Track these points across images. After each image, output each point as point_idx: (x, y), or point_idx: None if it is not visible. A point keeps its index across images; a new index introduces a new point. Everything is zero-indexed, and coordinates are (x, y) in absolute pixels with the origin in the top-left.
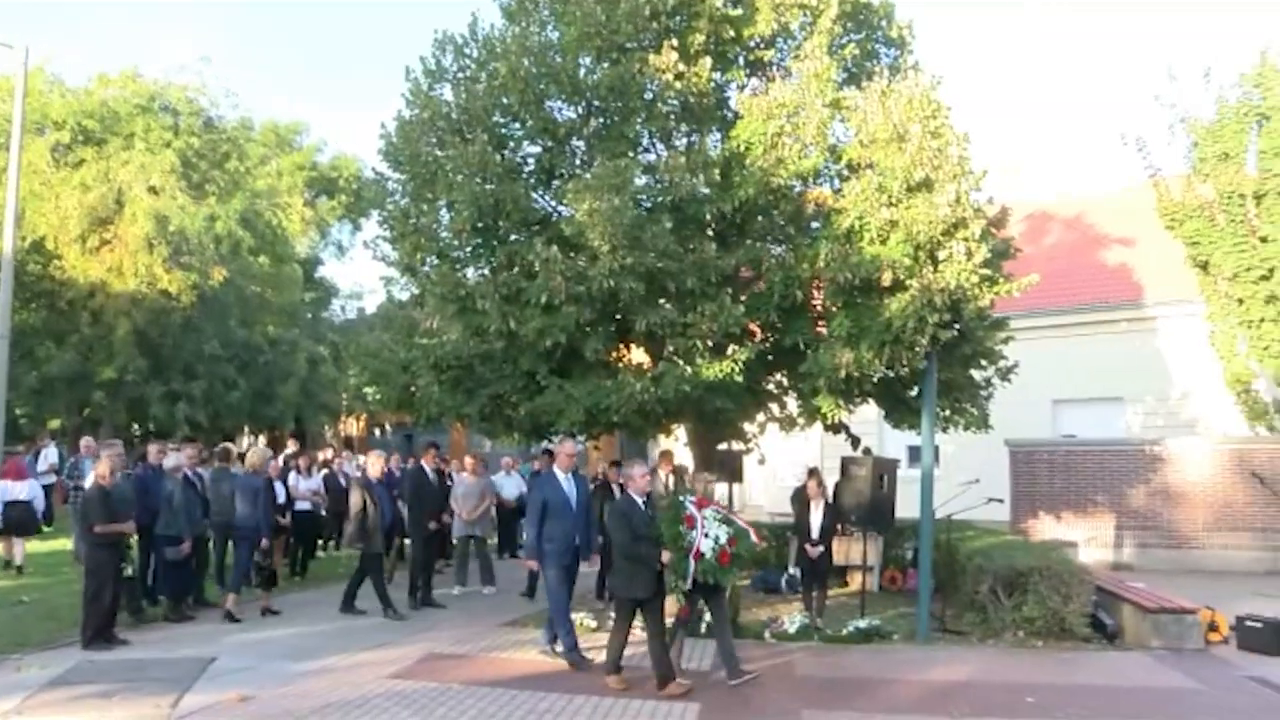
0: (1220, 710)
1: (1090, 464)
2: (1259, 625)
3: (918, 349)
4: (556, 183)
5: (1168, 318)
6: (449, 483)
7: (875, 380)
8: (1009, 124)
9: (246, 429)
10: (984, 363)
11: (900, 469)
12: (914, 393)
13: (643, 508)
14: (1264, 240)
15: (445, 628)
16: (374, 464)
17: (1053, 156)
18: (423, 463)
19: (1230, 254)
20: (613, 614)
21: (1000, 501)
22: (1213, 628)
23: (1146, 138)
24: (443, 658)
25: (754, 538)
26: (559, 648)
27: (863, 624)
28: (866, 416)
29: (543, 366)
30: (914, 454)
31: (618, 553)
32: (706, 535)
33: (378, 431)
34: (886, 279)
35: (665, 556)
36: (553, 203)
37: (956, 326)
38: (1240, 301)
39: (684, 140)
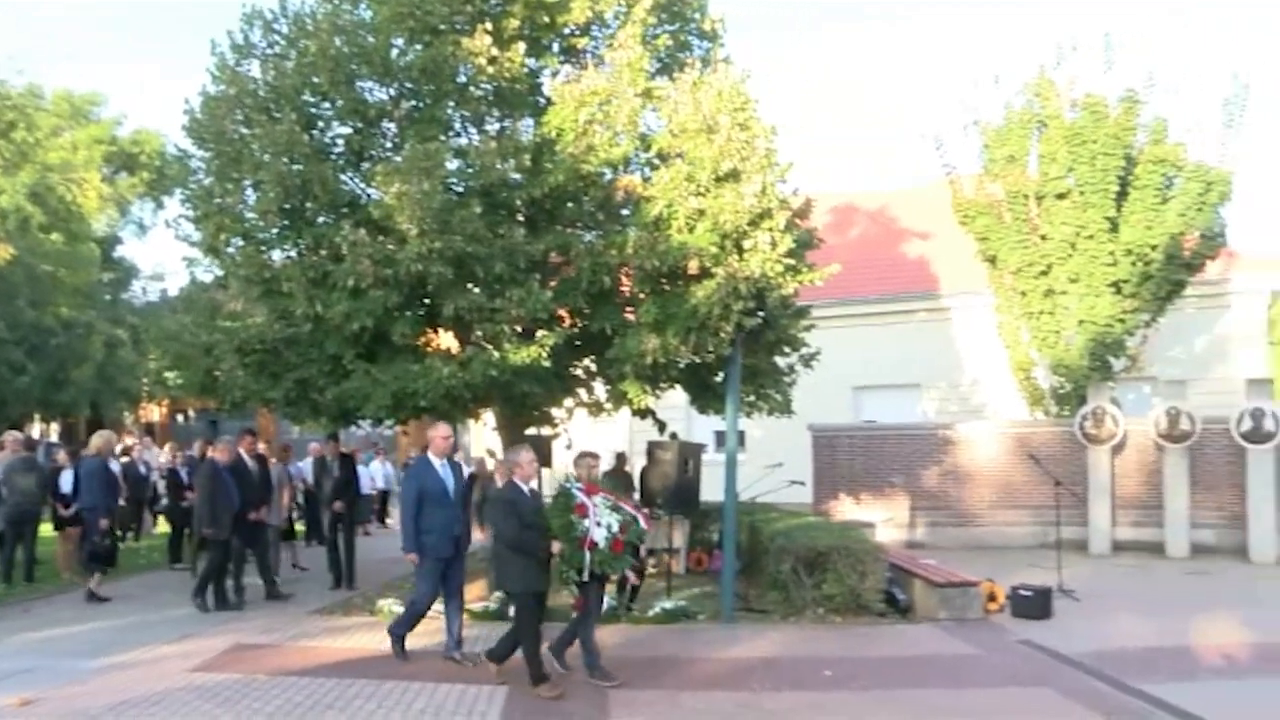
0: (995, 671)
1: (888, 447)
2: (1030, 594)
3: (723, 336)
4: (366, 165)
5: (961, 308)
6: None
7: (682, 366)
8: (818, 119)
9: (37, 416)
10: (787, 350)
11: (707, 453)
12: (719, 378)
13: (529, 496)
14: (1043, 238)
15: (252, 618)
16: (222, 451)
17: (860, 151)
18: (240, 450)
19: (1015, 250)
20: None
21: (801, 484)
22: (991, 598)
23: (945, 137)
24: (249, 648)
25: (643, 524)
26: (468, 657)
27: (669, 605)
28: (674, 402)
29: (349, 351)
30: (721, 438)
31: (503, 545)
32: (599, 524)
33: (180, 418)
34: (693, 267)
35: (555, 547)
36: (362, 185)
37: (761, 314)
38: (1023, 294)
39: (496, 125)
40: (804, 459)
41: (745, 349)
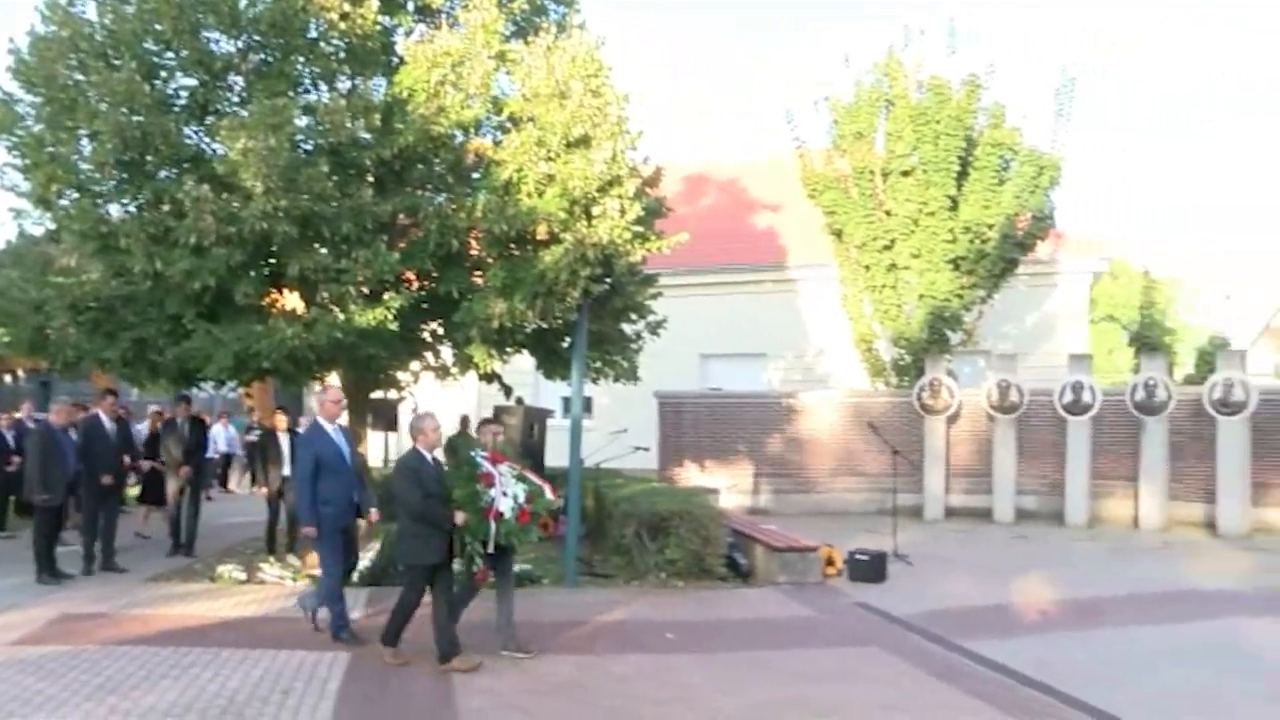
0: (830, 632)
1: (733, 415)
2: (865, 558)
3: (570, 301)
4: (211, 119)
5: (808, 280)
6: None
7: (528, 331)
8: (678, 89)
9: None
10: (634, 317)
11: (553, 419)
12: (566, 344)
13: (432, 464)
14: (888, 214)
15: (83, 586)
16: (58, 413)
17: (715, 121)
18: (99, 412)
19: (860, 224)
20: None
21: (646, 450)
22: (830, 562)
23: (797, 111)
24: (78, 618)
25: (550, 494)
26: (319, 621)
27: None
28: (522, 367)
29: (190, 310)
30: (567, 404)
31: (406, 515)
32: (505, 494)
33: (8, 378)
34: (542, 232)
35: (459, 518)
36: (206, 139)
37: (608, 280)
38: (867, 268)
39: (346, 83)
40: (650, 425)
41: (592, 315)
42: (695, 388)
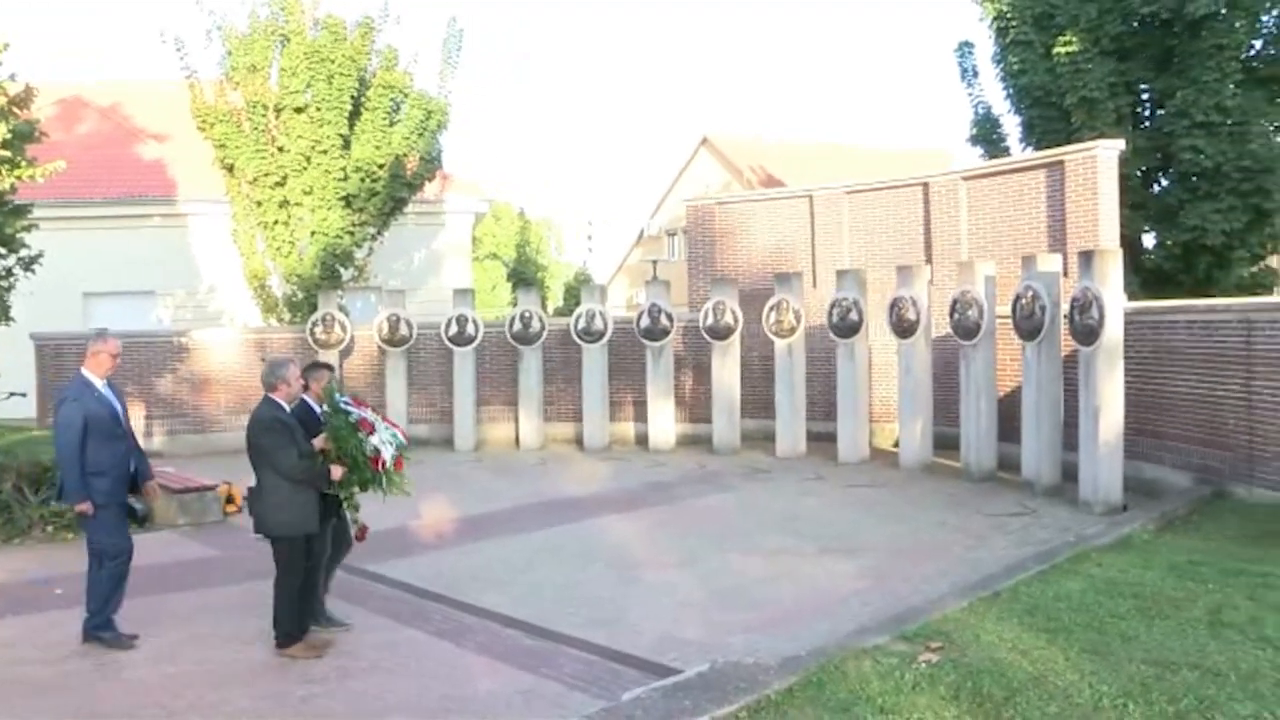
0: (234, 569)
1: (122, 356)
2: None
3: None
4: None
5: (199, 215)
6: None
7: None
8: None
9: None
10: (4, 251)
11: None
12: None
13: (294, 419)
14: (281, 150)
15: None
16: None
17: (97, 41)
18: None
19: (253, 159)
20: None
21: (23, 396)
22: (230, 500)
23: (187, 38)
24: None
25: (401, 436)
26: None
27: None
28: None
29: None
30: None
31: (279, 479)
32: (383, 441)
33: None
34: None
35: (337, 473)
36: None
37: None
38: (259, 204)
39: None
40: (27, 370)
41: None
42: (78, 328)
